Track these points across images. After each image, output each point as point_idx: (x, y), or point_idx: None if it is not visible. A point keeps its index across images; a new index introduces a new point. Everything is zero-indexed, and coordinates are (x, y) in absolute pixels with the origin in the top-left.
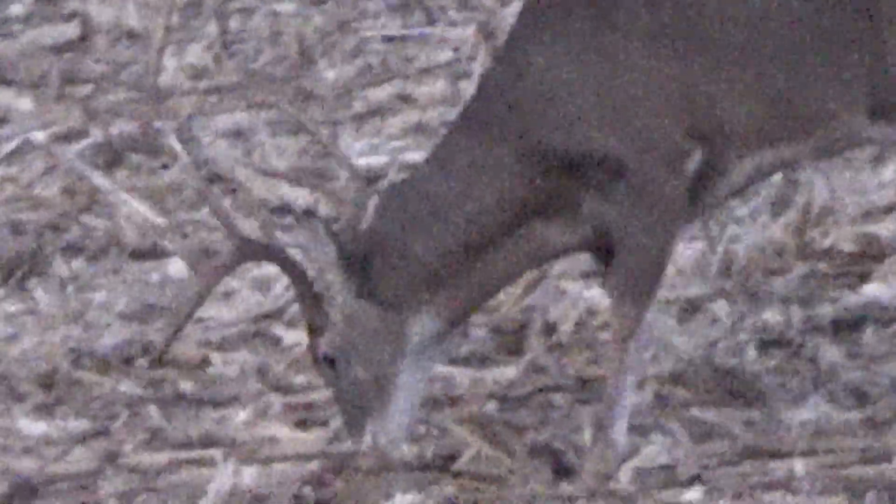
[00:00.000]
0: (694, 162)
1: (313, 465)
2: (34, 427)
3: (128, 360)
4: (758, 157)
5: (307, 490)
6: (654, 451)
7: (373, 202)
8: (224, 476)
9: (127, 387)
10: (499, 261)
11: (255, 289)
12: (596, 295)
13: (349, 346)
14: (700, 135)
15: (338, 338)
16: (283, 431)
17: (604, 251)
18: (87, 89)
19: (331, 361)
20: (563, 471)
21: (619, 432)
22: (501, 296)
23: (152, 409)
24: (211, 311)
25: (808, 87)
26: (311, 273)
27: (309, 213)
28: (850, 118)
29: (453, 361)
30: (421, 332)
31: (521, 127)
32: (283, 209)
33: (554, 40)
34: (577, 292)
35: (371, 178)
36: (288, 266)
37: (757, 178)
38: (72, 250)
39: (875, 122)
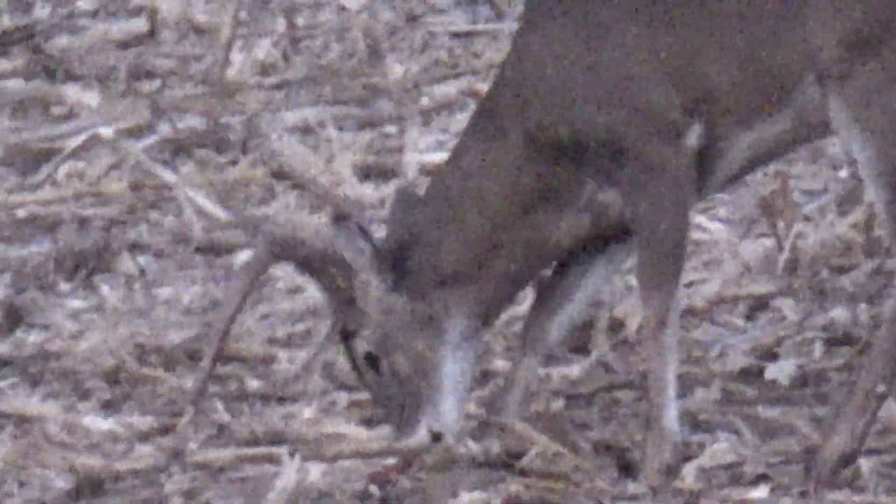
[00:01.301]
0: (693, 137)
1: (379, 463)
2: (100, 423)
3: (194, 356)
4: (749, 135)
5: (373, 487)
6: (720, 450)
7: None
8: (290, 473)
9: (191, 382)
10: (513, 255)
11: None
12: None
13: (390, 341)
14: (695, 108)
15: (377, 334)
16: (348, 428)
17: (612, 237)
18: (154, 84)
19: (373, 360)
20: (628, 468)
21: (672, 421)
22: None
23: (218, 405)
24: (277, 306)
25: (775, 49)
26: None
27: (343, 216)
28: (808, 85)
29: None
30: (455, 327)
31: (524, 116)
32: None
33: (549, 26)
34: None
35: None
36: (318, 269)
37: (754, 163)
38: (138, 246)
39: (826, 88)
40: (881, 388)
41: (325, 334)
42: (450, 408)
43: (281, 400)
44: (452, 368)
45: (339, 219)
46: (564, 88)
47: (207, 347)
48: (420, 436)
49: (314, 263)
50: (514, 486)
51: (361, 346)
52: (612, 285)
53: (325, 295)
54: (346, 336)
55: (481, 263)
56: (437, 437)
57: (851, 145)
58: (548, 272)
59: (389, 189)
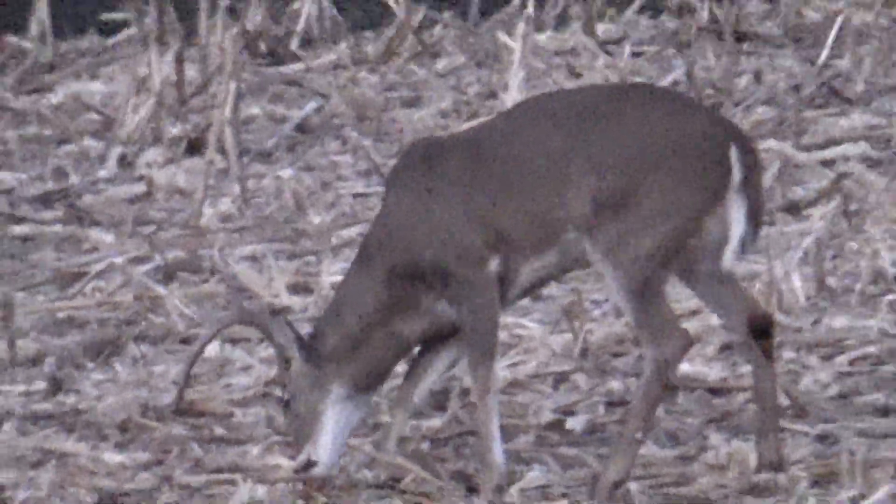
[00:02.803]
0: (494, 265)
1: (302, 484)
2: (114, 457)
3: (181, 413)
4: (531, 264)
5: (300, 502)
6: (535, 477)
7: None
8: (243, 492)
9: (178, 430)
10: (375, 350)
11: (264, 364)
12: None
13: (296, 393)
14: (495, 246)
15: (290, 388)
16: (283, 461)
17: (440, 336)
18: (151, 228)
19: (286, 404)
20: (473, 489)
21: (498, 456)
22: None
23: (195, 446)
24: (234, 380)
25: (547, 209)
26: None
27: (277, 311)
28: (570, 232)
29: None
30: (338, 391)
31: (386, 253)
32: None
33: (401, 193)
34: None
35: None
36: (270, 336)
37: (535, 284)
38: (141, 338)
39: (582, 233)
40: (639, 436)
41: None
42: (326, 445)
43: (237, 442)
44: (332, 418)
45: (275, 313)
46: (410, 236)
47: (185, 366)
48: (300, 460)
49: (266, 334)
50: (396, 500)
51: (283, 395)
52: (461, 363)
53: (276, 354)
54: (282, 386)
55: (357, 350)
56: (310, 465)
57: (604, 273)
58: (415, 354)
59: (309, 300)
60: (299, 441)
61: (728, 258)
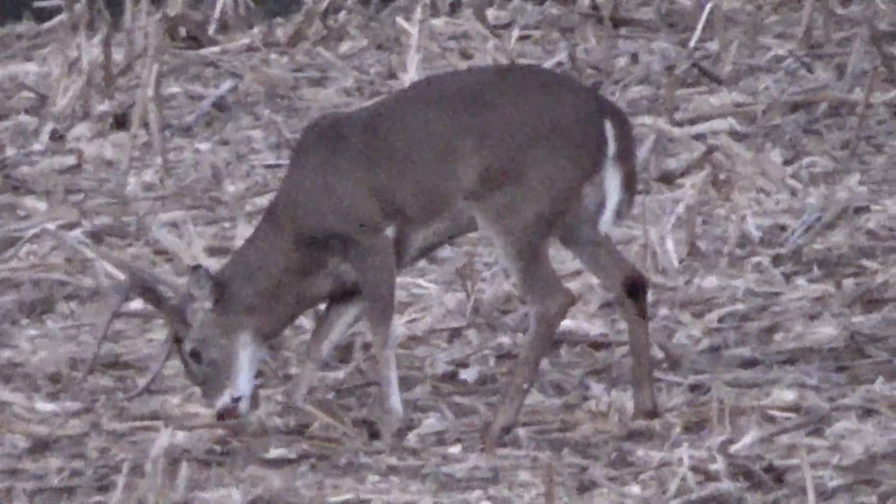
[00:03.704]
0: (390, 231)
1: (219, 431)
2: (47, 406)
3: (108, 366)
4: (424, 231)
5: (216, 446)
6: (430, 424)
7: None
8: (164, 437)
9: (104, 381)
10: (283, 304)
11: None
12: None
13: (206, 341)
14: (391, 214)
15: (199, 337)
16: (201, 409)
17: (344, 294)
18: (80, 197)
19: (196, 354)
20: (375, 434)
21: (396, 404)
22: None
23: (120, 395)
24: (156, 334)
25: (438, 181)
26: (172, 301)
27: (198, 265)
28: (459, 201)
29: None
30: (247, 336)
31: (291, 218)
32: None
33: (304, 163)
34: None
35: None
36: (158, 297)
37: (428, 248)
38: (70, 296)
39: (470, 202)
40: (526, 386)
41: (166, 340)
42: (243, 382)
43: (159, 391)
44: (244, 357)
45: (197, 267)
46: (313, 203)
47: (94, 339)
48: (223, 402)
49: (155, 296)
50: (305, 445)
51: (187, 346)
52: (363, 319)
53: (161, 312)
54: (178, 340)
55: (266, 302)
56: (236, 400)
57: (491, 239)
58: (322, 311)
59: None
60: (213, 385)
61: (605, 224)
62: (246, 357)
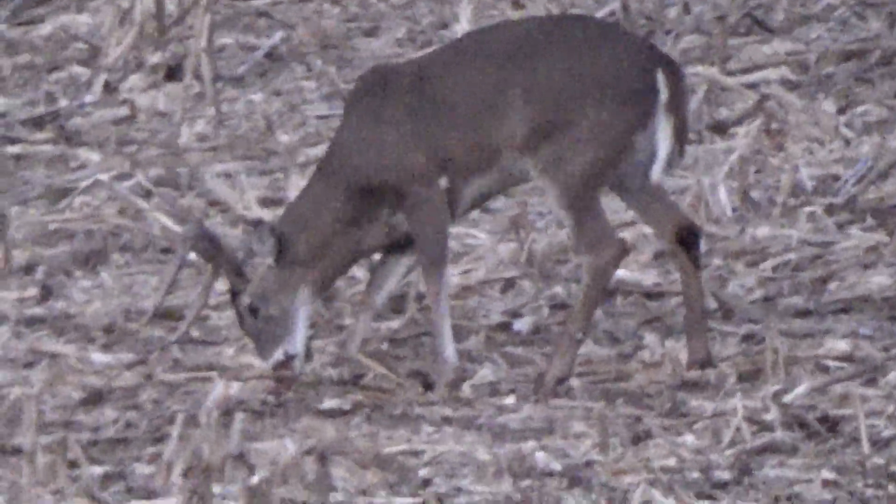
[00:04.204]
0: (443, 182)
1: (272, 382)
2: (101, 357)
3: (161, 317)
4: (473, 184)
5: (270, 397)
6: (485, 374)
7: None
8: (219, 388)
9: (159, 333)
10: (338, 256)
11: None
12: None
13: (265, 296)
14: (443, 166)
15: (257, 292)
16: (256, 360)
17: (398, 245)
18: (133, 148)
19: (252, 310)
20: (429, 385)
21: (450, 354)
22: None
23: (174, 347)
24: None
25: (489, 132)
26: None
27: (260, 220)
28: (511, 152)
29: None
30: (305, 291)
31: (344, 171)
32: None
33: (356, 117)
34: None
35: None
36: (220, 249)
37: (481, 198)
38: (124, 248)
39: (522, 153)
40: (580, 336)
41: (202, 292)
42: (299, 338)
43: (213, 343)
44: (301, 315)
45: (259, 223)
46: (365, 155)
47: (159, 289)
48: (278, 358)
49: (216, 250)
50: (359, 396)
51: (244, 301)
52: (417, 269)
53: (223, 265)
54: (234, 296)
55: (321, 256)
56: (290, 357)
57: (543, 188)
58: (377, 262)
59: (279, 213)
60: (268, 340)
61: (656, 173)
62: (303, 313)
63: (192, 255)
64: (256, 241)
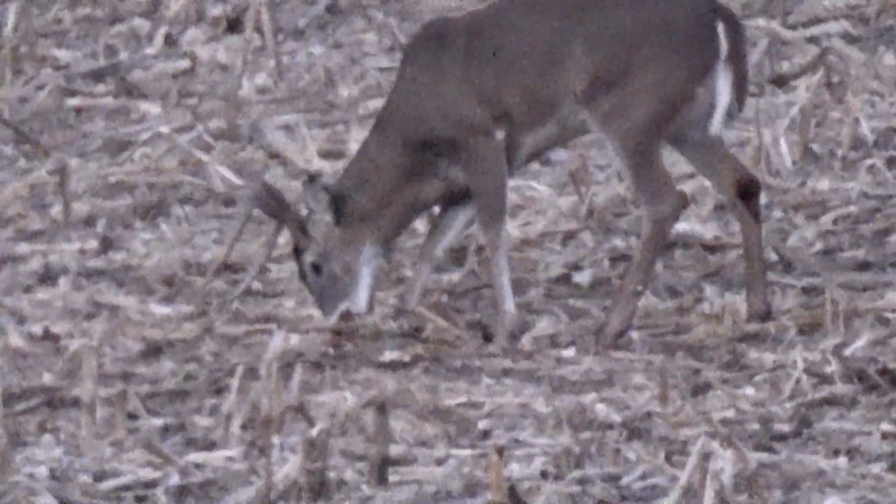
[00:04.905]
0: (500, 135)
1: (332, 335)
2: (161, 309)
3: (220, 269)
4: (531, 137)
5: (329, 349)
6: (544, 326)
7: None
8: (278, 340)
9: (219, 285)
10: (398, 211)
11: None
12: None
13: (329, 254)
14: (500, 118)
15: (321, 250)
16: (315, 312)
17: (457, 198)
18: (194, 100)
19: (316, 267)
20: (488, 337)
21: (510, 306)
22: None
23: (235, 300)
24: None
25: (547, 85)
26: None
27: (313, 176)
28: (569, 104)
29: None
30: (368, 247)
31: (401, 124)
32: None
33: (412, 70)
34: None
35: None
36: (285, 205)
37: (540, 151)
38: (185, 200)
39: (581, 105)
40: (639, 288)
41: (266, 246)
42: (362, 296)
43: (273, 295)
44: (365, 273)
45: (313, 177)
46: (422, 108)
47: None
48: (336, 314)
49: (280, 207)
50: (419, 348)
51: (307, 258)
52: (476, 222)
53: (287, 222)
54: (297, 252)
55: (382, 211)
56: (350, 316)
57: (603, 140)
58: (436, 214)
59: (339, 165)
60: (331, 297)
61: (715, 126)
62: (366, 272)
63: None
64: (311, 198)
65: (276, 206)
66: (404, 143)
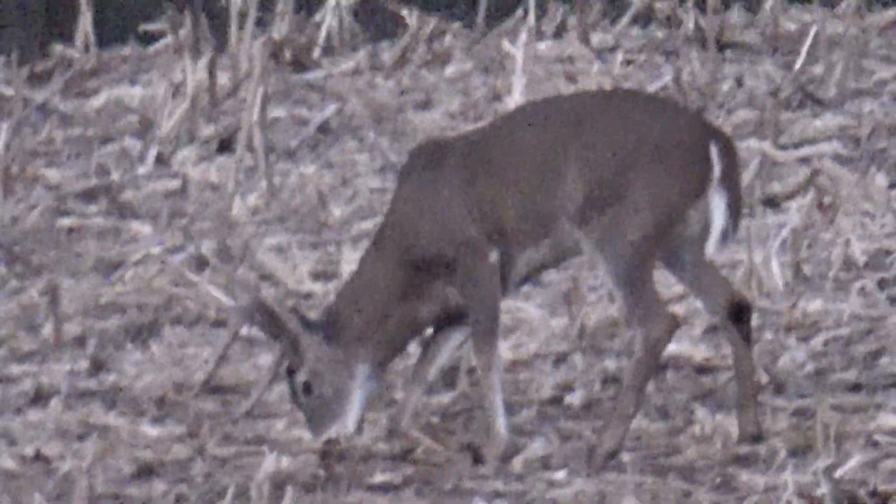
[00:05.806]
0: (494, 255)
1: (323, 455)
2: (152, 431)
3: (212, 390)
4: (527, 254)
5: (321, 470)
6: (536, 448)
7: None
8: (270, 461)
9: (210, 406)
10: (393, 332)
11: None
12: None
13: (320, 375)
14: (494, 238)
15: (311, 370)
16: (305, 434)
17: (450, 319)
18: (185, 220)
19: (307, 386)
20: (479, 458)
21: (502, 428)
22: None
23: (226, 421)
24: (261, 359)
25: (542, 204)
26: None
27: (295, 309)
28: (563, 224)
29: None
30: (361, 369)
31: (397, 243)
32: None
33: (408, 190)
34: None
35: None
36: (280, 324)
37: (533, 271)
38: (176, 321)
39: (574, 224)
40: (631, 410)
41: (272, 366)
42: (352, 418)
43: (264, 416)
44: (358, 395)
45: (294, 310)
46: (418, 229)
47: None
48: (329, 436)
49: (273, 325)
50: (409, 469)
51: (299, 378)
52: (469, 343)
53: (282, 341)
54: (290, 372)
55: (377, 331)
56: (335, 440)
57: (595, 261)
58: (428, 336)
59: (331, 286)
60: (321, 418)
61: (710, 248)
62: (359, 394)
63: (244, 329)
64: (294, 325)
65: (269, 324)
66: (399, 263)
